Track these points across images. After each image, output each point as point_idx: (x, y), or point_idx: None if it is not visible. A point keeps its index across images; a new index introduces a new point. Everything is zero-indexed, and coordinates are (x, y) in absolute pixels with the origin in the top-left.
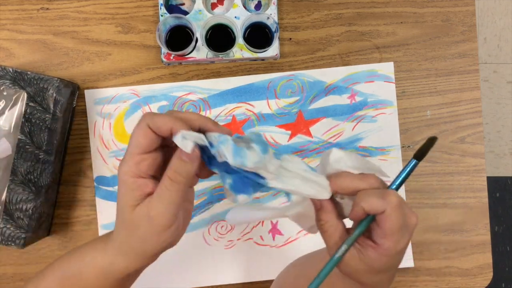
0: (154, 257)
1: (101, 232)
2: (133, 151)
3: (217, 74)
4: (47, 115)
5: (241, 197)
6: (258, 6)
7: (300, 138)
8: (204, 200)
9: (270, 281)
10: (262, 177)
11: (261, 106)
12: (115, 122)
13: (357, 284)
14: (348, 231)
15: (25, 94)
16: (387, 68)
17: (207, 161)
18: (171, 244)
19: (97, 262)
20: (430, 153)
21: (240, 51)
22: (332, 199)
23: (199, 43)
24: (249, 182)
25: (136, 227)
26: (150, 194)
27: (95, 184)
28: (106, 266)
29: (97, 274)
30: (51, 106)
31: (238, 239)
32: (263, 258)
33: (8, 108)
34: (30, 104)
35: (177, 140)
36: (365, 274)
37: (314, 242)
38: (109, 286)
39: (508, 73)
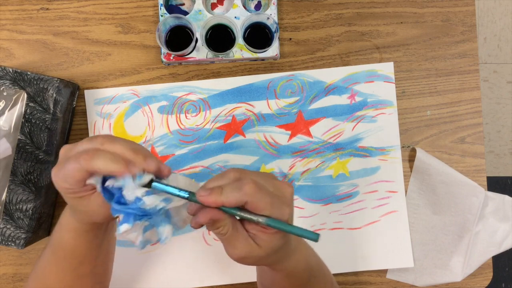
0: (102, 224)
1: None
2: (66, 192)
3: (217, 74)
4: (47, 115)
5: (123, 227)
6: (258, 6)
7: (300, 138)
8: None
9: None
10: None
11: (261, 106)
12: (115, 122)
13: (269, 269)
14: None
15: (25, 94)
16: (387, 68)
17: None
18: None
19: (69, 226)
20: (431, 153)
21: (240, 51)
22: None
23: (199, 43)
24: (131, 214)
25: (80, 212)
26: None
27: None
28: (75, 227)
29: (72, 235)
30: (51, 106)
31: None
32: None
33: (8, 108)
34: (30, 104)
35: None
36: (268, 257)
37: (313, 242)
38: (83, 241)
39: (508, 73)
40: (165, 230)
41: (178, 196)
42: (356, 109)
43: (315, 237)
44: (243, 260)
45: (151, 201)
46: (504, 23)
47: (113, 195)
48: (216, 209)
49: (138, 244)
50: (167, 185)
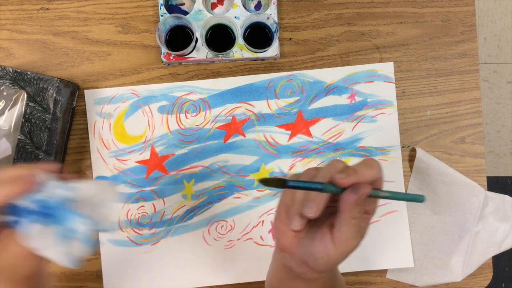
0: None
1: (101, 232)
2: None
3: (217, 74)
4: (47, 115)
5: (30, 232)
6: (258, 6)
7: (300, 138)
8: (204, 200)
9: None
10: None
11: (261, 106)
12: (115, 122)
13: (304, 281)
14: None
15: (25, 94)
16: (387, 68)
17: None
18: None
19: None
20: (431, 153)
21: (240, 51)
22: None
23: (199, 43)
24: (32, 215)
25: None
26: None
27: None
28: None
29: None
30: (51, 106)
31: (238, 239)
32: (263, 258)
33: (8, 108)
34: (30, 104)
35: None
36: (335, 261)
37: None
38: None
39: (508, 73)
40: (79, 224)
41: (314, 189)
42: (356, 109)
43: (423, 199)
44: (346, 254)
45: (56, 190)
46: (504, 23)
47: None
48: (368, 184)
49: (62, 258)
50: (301, 181)
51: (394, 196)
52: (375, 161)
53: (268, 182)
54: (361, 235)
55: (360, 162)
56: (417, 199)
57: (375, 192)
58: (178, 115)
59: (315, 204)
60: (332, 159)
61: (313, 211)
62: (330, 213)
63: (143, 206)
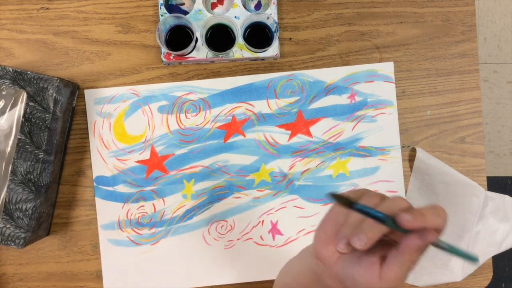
0: None
1: (101, 232)
2: None
3: (217, 74)
4: (47, 115)
5: None
6: (258, 6)
7: (300, 138)
8: (204, 200)
9: (270, 281)
10: None
11: (261, 106)
12: (115, 122)
13: None
14: None
15: (25, 94)
16: (387, 68)
17: None
18: None
19: None
20: (431, 153)
21: (240, 51)
22: None
23: (199, 43)
24: None
25: None
26: None
27: (94, 184)
28: None
29: None
30: (51, 105)
31: (238, 239)
32: (263, 258)
33: (8, 108)
34: (30, 104)
35: None
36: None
37: None
38: None
39: (508, 73)
40: None
41: (377, 218)
42: (356, 109)
43: (477, 260)
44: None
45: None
46: (504, 23)
47: None
48: (436, 233)
49: None
50: (367, 207)
51: (451, 249)
52: (442, 210)
53: (337, 198)
54: (408, 275)
55: (428, 207)
56: (471, 258)
57: (436, 241)
58: (178, 115)
59: (366, 238)
60: (396, 196)
61: (362, 244)
62: (382, 243)
63: (143, 206)
